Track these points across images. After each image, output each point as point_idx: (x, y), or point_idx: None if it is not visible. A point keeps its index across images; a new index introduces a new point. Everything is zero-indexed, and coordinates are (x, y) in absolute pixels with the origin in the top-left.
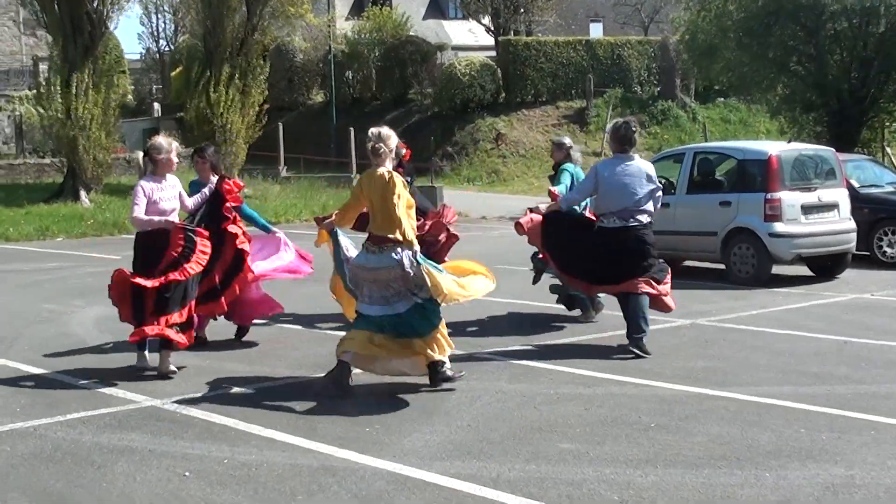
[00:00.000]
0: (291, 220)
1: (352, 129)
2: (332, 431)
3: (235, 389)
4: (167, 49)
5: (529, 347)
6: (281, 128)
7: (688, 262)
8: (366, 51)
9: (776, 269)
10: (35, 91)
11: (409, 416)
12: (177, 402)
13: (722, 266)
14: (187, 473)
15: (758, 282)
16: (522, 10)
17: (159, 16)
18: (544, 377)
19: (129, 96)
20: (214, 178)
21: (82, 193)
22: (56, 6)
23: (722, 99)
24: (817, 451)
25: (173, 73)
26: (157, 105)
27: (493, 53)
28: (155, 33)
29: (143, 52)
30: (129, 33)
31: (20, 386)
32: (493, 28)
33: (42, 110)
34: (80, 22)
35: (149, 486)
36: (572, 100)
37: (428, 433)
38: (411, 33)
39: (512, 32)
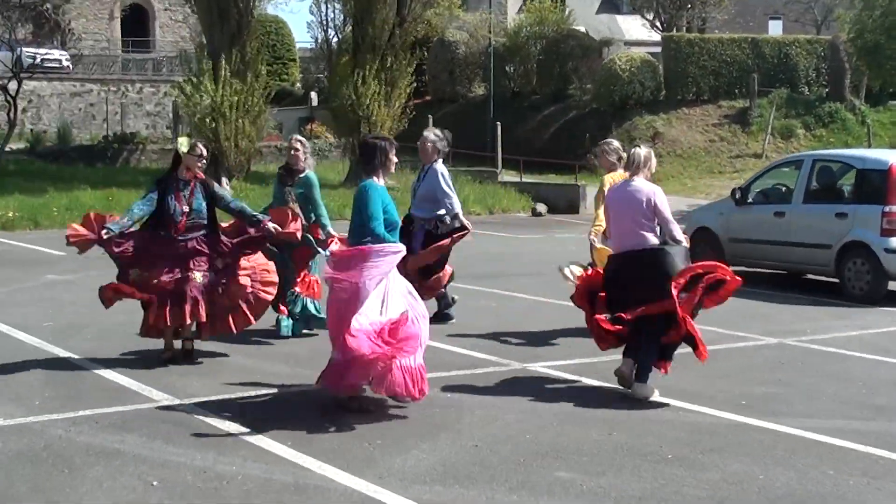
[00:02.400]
0: None
1: (498, 123)
2: (328, 444)
3: (262, 391)
4: (336, 38)
5: (581, 361)
6: (431, 120)
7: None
8: (526, 44)
9: None
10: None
11: (418, 431)
12: (197, 403)
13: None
14: (155, 483)
15: (872, 300)
16: (689, 6)
17: (329, 5)
18: (585, 395)
19: (297, 84)
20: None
21: (224, 180)
22: None
23: (895, 102)
24: (834, 498)
25: (340, 63)
26: (313, 94)
27: None
28: (324, 22)
29: (313, 41)
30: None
31: (56, 378)
32: (658, 24)
33: (186, 97)
34: (226, 10)
35: (110, 495)
36: (735, 99)
37: (427, 452)
38: (580, 28)
39: (685, 28)
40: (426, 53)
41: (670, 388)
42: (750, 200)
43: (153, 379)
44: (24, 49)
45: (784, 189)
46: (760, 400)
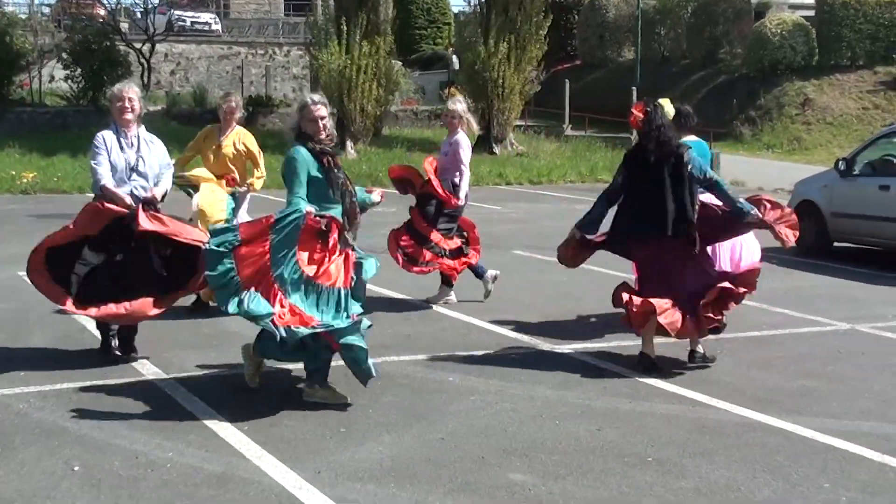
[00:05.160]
0: (554, 180)
1: (634, 88)
2: (286, 431)
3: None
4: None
5: (617, 344)
6: (567, 84)
7: None
8: (677, 7)
9: None
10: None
11: (393, 419)
12: (180, 378)
13: None
14: (76, 468)
15: None
16: None
17: None
18: (600, 384)
19: (450, 49)
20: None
21: (348, 144)
22: None
23: None
24: None
25: (470, 25)
26: (455, 57)
27: None
28: None
29: (465, 3)
30: None
31: (62, 347)
32: None
33: (315, 61)
34: None
35: (26, 480)
36: (892, 64)
37: (385, 444)
38: None
39: None
40: (576, 17)
41: (698, 379)
42: (856, 172)
43: (154, 351)
44: (175, 12)
45: (894, 160)
46: (792, 396)
